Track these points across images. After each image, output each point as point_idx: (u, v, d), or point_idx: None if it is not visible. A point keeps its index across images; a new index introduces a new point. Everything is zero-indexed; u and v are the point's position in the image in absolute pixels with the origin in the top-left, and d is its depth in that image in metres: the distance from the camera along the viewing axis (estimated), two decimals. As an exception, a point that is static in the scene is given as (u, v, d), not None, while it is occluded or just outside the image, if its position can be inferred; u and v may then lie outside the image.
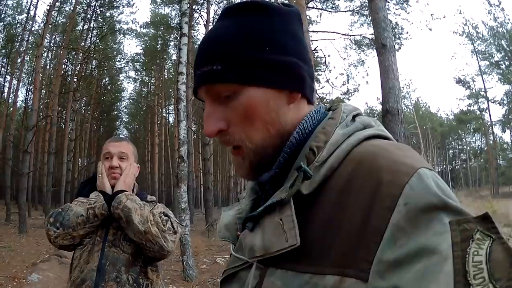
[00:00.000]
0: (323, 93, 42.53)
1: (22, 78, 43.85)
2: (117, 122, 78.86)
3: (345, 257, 1.07)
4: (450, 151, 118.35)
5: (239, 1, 1.39)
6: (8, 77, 45.57)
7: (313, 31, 20.33)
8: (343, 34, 33.64)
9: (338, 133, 1.29)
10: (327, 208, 1.17)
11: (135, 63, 61.39)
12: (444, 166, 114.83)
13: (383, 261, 1.00)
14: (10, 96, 42.85)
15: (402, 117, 9.36)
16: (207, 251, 20.78)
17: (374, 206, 1.06)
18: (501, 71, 71.36)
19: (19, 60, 39.88)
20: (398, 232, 1.00)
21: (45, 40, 35.21)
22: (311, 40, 18.40)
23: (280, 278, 1.20)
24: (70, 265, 3.68)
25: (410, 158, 1.15)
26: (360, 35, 38.66)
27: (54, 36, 45.10)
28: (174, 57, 55.29)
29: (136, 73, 64.32)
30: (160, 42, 56.35)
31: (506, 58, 70.27)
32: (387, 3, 9.35)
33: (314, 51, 17.79)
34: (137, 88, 69.60)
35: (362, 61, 46.91)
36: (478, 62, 72.68)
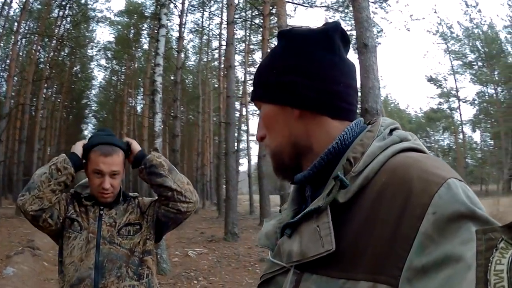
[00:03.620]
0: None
1: None
2: (86, 111, 78.22)
3: (377, 263, 1.13)
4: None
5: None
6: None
7: (288, 26, 20.47)
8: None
9: (375, 145, 1.36)
10: (361, 216, 1.23)
11: (107, 51, 60.78)
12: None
13: (411, 268, 1.05)
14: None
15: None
16: (178, 244, 20.69)
17: (405, 215, 1.11)
18: (474, 72, 71.93)
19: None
20: (426, 240, 1.05)
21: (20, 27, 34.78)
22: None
23: (315, 283, 1.27)
24: (58, 263, 3.63)
25: (440, 169, 1.19)
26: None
27: (28, 23, 44.50)
28: (145, 46, 55.54)
29: (107, 62, 63.83)
30: (133, 31, 55.65)
31: (480, 59, 70.80)
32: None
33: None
34: (107, 76, 68.82)
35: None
36: (451, 62, 73.25)
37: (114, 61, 63.31)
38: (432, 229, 1.05)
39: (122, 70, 63.25)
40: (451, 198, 1.08)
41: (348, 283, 1.18)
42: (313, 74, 1.47)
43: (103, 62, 63.28)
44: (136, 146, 3.75)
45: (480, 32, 70.57)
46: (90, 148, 3.56)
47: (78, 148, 3.62)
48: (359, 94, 9.86)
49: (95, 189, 3.59)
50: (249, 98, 1.77)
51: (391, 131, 1.45)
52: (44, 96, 40.05)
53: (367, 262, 1.16)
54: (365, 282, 1.14)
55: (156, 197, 3.79)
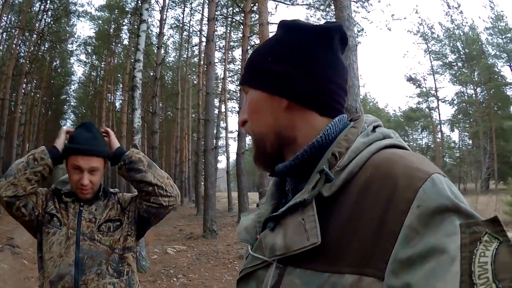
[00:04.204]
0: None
1: None
2: (65, 106, 77.24)
3: (362, 257, 1.15)
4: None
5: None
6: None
7: (269, 23, 20.44)
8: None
9: (359, 141, 1.38)
10: (346, 211, 1.25)
11: (87, 46, 60.17)
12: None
13: (397, 260, 1.07)
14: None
15: (359, 115, 9.19)
16: (156, 241, 20.63)
17: (390, 209, 1.13)
18: (453, 72, 72.31)
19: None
20: (411, 232, 1.07)
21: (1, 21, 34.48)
22: (270, 32, 18.38)
23: (299, 277, 1.28)
24: (38, 259, 3.63)
25: (424, 164, 1.22)
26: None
27: (9, 16, 44.16)
28: (126, 41, 54.74)
29: (87, 57, 63.11)
30: (113, 26, 55.01)
31: (460, 59, 71.19)
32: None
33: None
34: (86, 72, 68.21)
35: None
36: (431, 62, 73.62)
37: (94, 57, 62.67)
38: (417, 222, 1.07)
39: (102, 65, 62.71)
40: (435, 192, 1.11)
41: (333, 277, 1.20)
42: (309, 69, 1.49)
43: (83, 57, 62.76)
44: (114, 142, 3.80)
45: (461, 33, 71.25)
46: (70, 149, 3.57)
47: (59, 142, 3.64)
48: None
49: (74, 185, 3.59)
50: (233, 88, 1.76)
51: (374, 128, 1.48)
52: (23, 91, 39.60)
53: (352, 256, 1.18)
54: (350, 275, 1.16)
55: (137, 193, 3.78)
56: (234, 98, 53.85)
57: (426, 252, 1.03)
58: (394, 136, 1.48)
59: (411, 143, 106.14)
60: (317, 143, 1.46)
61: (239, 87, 27.66)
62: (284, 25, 1.61)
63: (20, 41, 41.03)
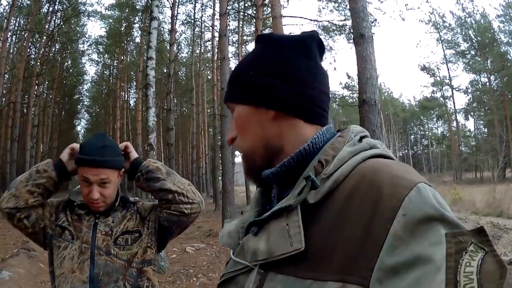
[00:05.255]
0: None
1: None
2: (79, 106, 78.52)
3: (346, 264, 1.15)
4: (412, 136, 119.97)
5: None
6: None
7: (282, 16, 20.36)
8: (311, 20, 33.65)
9: (345, 150, 1.40)
10: (330, 218, 1.26)
11: (99, 46, 60.64)
12: (406, 151, 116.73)
13: (382, 268, 1.07)
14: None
15: (379, 108, 9.35)
16: (174, 240, 20.13)
17: (375, 217, 1.14)
18: (466, 61, 72.26)
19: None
20: (396, 241, 1.07)
21: (10, 23, 34.56)
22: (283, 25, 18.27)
23: (281, 283, 1.27)
24: (50, 273, 3.44)
25: (410, 173, 1.24)
26: (329, 22, 38.59)
27: (18, 19, 44.29)
28: (137, 39, 54.92)
29: (99, 56, 63.74)
30: (124, 24, 55.41)
31: (473, 48, 71.10)
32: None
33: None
34: (99, 71, 69.02)
35: (330, 47, 46.78)
36: (444, 51, 73.66)
37: (106, 55, 63.25)
38: (403, 230, 1.07)
39: (114, 64, 63.27)
40: (421, 201, 1.11)
41: (315, 284, 1.19)
42: (291, 78, 1.51)
43: (94, 56, 63.45)
44: (132, 154, 3.54)
45: (473, 21, 71.14)
46: (78, 159, 3.31)
47: (64, 155, 3.44)
48: (357, 85, 9.81)
49: (85, 198, 3.37)
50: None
51: (361, 138, 1.50)
52: (35, 93, 39.79)
53: (335, 263, 1.17)
54: (333, 282, 1.15)
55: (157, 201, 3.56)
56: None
57: (411, 261, 1.03)
58: (381, 146, 1.49)
59: (427, 133, 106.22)
60: (304, 151, 1.47)
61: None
62: (263, 39, 1.65)
63: (30, 43, 41.37)
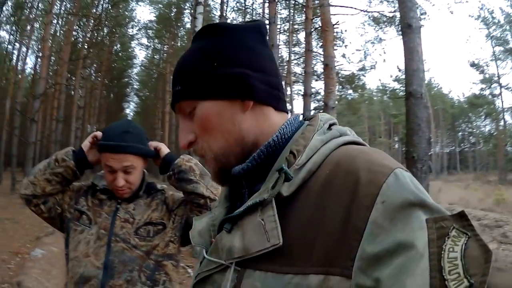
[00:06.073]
0: (339, 69, 42.26)
1: (31, 46, 43.94)
2: (128, 89, 79.46)
3: (327, 256, 1.12)
4: (460, 133, 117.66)
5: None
6: (17, 45, 45.16)
7: (331, 5, 20.13)
8: (361, 10, 33.37)
9: (316, 138, 1.36)
10: (307, 209, 1.22)
11: (148, 30, 61.02)
12: (453, 148, 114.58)
13: (364, 257, 1.05)
14: (19, 63, 42.62)
15: (425, 101, 9.10)
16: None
17: (354, 206, 1.11)
18: (516, 58, 71.15)
19: (28, 28, 39.94)
20: (376, 229, 1.06)
21: (55, 7, 35.01)
22: (331, 15, 18.06)
23: (260, 280, 1.23)
24: (65, 256, 3.38)
25: (386, 159, 1.23)
26: (378, 12, 38.14)
27: (64, 3, 44.80)
28: (188, 25, 54.94)
29: (149, 40, 64.05)
30: (174, 10, 55.68)
31: (522, 46, 70.15)
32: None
33: (333, 26, 17.51)
34: (149, 55, 69.38)
35: (380, 38, 46.48)
36: (493, 48, 72.46)
37: (156, 40, 63.49)
38: (382, 218, 1.06)
39: (164, 49, 63.46)
40: (399, 188, 1.10)
41: (296, 278, 1.16)
42: (258, 66, 1.47)
43: (144, 41, 63.59)
44: (164, 150, 3.41)
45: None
46: (99, 145, 3.25)
47: (85, 143, 3.38)
48: (404, 76, 9.64)
49: (109, 185, 3.30)
50: (170, 102, 1.67)
51: (330, 126, 1.47)
52: (81, 75, 40.14)
53: (316, 256, 1.14)
54: (314, 275, 1.13)
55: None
56: (300, 81, 53.55)
57: (394, 248, 1.02)
58: (351, 133, 1.47)
59: (475, 130, 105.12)
60: (273, 142, 1.43)
61: (303, 70, 27.33)
62: (218, 28, 1.53)
63: (77, 27, 41.85)
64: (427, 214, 1.05)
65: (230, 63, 1.44)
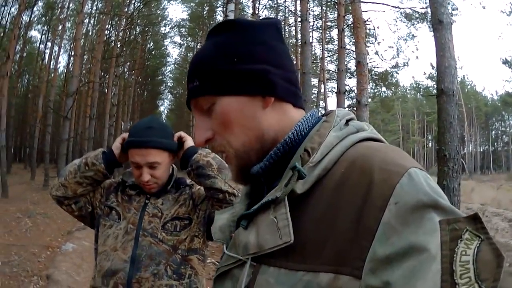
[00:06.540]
0: (372, 66, 42.08)
1: (64, 45, 44.74)
2: (162, 87, 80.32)
3: (339, 255, 1.11)
4: (493, 132, 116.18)
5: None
6: (49, 44, 46.04)
7: (362, 2, 20.05)
8: (393, 6, 33.23)
9: (332, 135, 1.34)
10: (320, 207, 1.21)
11: (181, 29, 61.60)
12: (486, 146, 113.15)
13: (375, 259, 1.04)
14: (51, 62, 43.14)
15: (457, 99, 8.99)
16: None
17: (367, 206, 1.10)
18: (547, 57, 70.54)
19: (60, 27, 40.50)
20: (389, 230, 1.04)
21: (87, 6, 35.54)
22: (363, 11, 17.99)
23: (273, 276, 1.23)
24: (94, 250, 3.46)
25: (401, 158, 1.19)
26: (410, 9, 37.92)
27: (96, 3, 45.37)
28: (221, 23, 55.16)
29: (182, 39, 64.66)
30: (206, 8, 56.07)
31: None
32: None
33: (365, 23, 17.46)
34: (182, 53, 69.96)
35: (413, 35, 46.25)
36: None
37: (189, 38, 64.07)
38: (395, 219, 1.04)
39: (198, 46, 63.00)
40: (413, 188, 1.07)
41: (307, 275, 1.15)
42: (278, 63, 1.46)
43: (177, 39, 64.06)
44: (187, 143, 3.41)
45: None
46: (125, 144, 3.31)
47: (115, 145, 3.44)
48: (435, 73, 9.55)
49: (136, 180, 3.38)
50: (191, 95, 1.58)
51: (347, 121, 1.44)
52: (115, 73, 40.51)
53: (327, 254, 1.14)
54: (325, 274, 1.12)
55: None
56: (334, 78, 53.50)
57: (405, 251, 1.00)
58: (369, 128, 1.44)
59: (508, 129, 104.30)
60: (289, 140, 1.42)
61: (337, 67, 27.29)
62: (236, 24, 1.50)
63: (110, 26, 42.44)
64: (441, 215, 1.02)
65: (251, 59, 1.42)
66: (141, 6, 44.72)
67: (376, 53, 47.30)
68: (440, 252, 0.96)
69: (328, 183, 1.23)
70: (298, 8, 37.05)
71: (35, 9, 41.15)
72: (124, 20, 42.53)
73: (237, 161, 1.48)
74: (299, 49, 44.46)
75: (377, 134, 1.42)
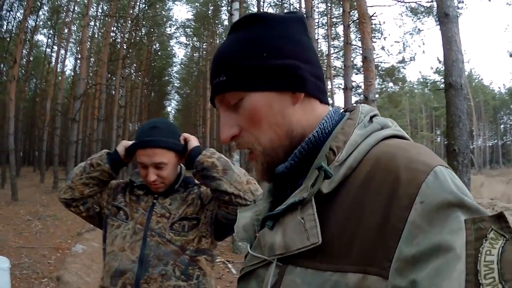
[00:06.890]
0: (378, 61, 42.00)
1: (70, 48, 45.36)
2: (168, 87, 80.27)
3: (366, 255, 1.10)
4: (502, 126, 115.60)
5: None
6: (56, 48, 46.32)
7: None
8: (398, 1, 33.14)
9: (356, 133, 1.33)
10: (346, 207, 1.20)
11: (186, 29, 61.74)
12: (495, 141, 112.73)
13: (401, 259, 1.03)
14: (58, 65, 43.58)
15: (465, 92, 8.95)
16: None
17: (393, 205, 1.09)
18: (555, 49, 70.45)
19: (66, 31, 40.87)
20: (415, 230, 1.03)
21: (92, 9, 35.71)
22: (368, 6, 17.97)
23: (300, 276, 1.22)
24: (102, 251, 3.48)
25: (426, 156, 1.18)
26: (416, 2, 37.87)
27: (101, 5, 45.54)
28: (226, 22, 54.99)
29: (187, 39, 64.67)
30: (211, 7, 56.06)
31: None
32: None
33: (370, 18, 17.44)
34: (188, 53, 70.28)
35: (419, 29, 46.14)
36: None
37: (195, 38, 64.18)
38: (421, 218, 1.03)
39: (203, 46, 63.85)
40: (438, 187, 1.06)
41: (335, 275, 1.15)
42: (306, 58, 1.44)
43: (183, 39, 64.24)
44: (192, 143, 3.37)
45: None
46: (133, 147, 3.33)
47: (120, 148, 3.45)
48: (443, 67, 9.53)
49: (144, 180, 3.38)
50: (214, 91, 1.52)
51: (371, 118, 1.43)
52: (121, 75, 40.60)
53: (354, 254, 1.13)
54: (353, 274, 1.11)
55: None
56: (340, 74, 53.49)
57: (431, 250, 0.99)
58: (393, 125, 1.43)
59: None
60: (313, 138, 1.41)
61: (343, 64, 27.30)
62: (259, 18, 1.48)
63: (115, 28, 42.59)
64: (466, 214, 1.01)
65: (281, 54, 1.40)
66: (146, 7, 44.95)
67: (383, 48, 47.28)
68: (465, 251, 0.95)
69: (354, 182, 1.23)
70: (303, 5, 36.91)
71: (40, 13, 41.40)
72: (130, 22, 42.67)
73: (264, 158, 1.46)
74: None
75: (401, 131, 1.41)
